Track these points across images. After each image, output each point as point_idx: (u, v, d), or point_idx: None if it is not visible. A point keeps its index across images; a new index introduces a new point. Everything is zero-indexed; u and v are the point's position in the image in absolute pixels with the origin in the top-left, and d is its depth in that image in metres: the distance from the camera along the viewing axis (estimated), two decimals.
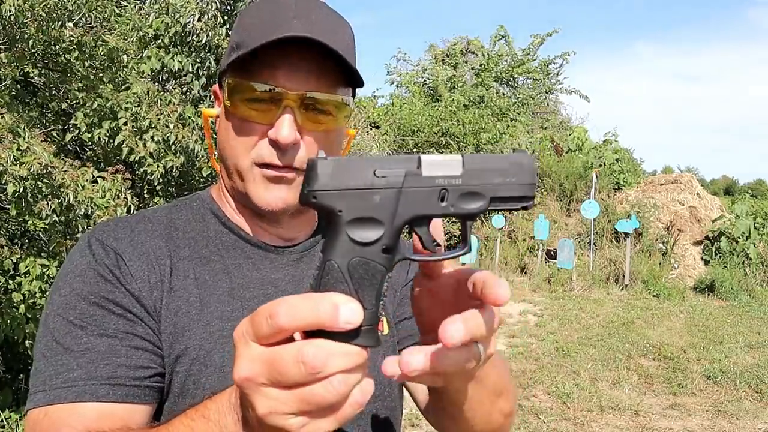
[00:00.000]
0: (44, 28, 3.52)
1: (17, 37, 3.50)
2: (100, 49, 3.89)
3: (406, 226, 0.48)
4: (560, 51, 18.14)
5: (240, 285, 0.80)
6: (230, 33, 0.85)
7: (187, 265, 0.79)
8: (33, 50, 3.67)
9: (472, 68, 15.31)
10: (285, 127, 0.74)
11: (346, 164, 0.46)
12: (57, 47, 3.78)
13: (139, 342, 0.71)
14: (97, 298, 0.71)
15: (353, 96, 0.84)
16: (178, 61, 4.22)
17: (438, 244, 0.50)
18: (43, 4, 3.39)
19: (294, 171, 0.78)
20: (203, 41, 4.22)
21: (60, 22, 3.60)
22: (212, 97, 0.88)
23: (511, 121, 14.03)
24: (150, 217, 0.83)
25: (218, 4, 4.44)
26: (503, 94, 15.47)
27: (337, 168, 0.46)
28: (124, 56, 4.12)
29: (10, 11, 3.10)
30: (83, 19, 3.86)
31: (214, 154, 0.90)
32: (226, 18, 4.78)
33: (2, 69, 3.27)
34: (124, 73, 4.01)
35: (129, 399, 0.69)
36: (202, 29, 4.17)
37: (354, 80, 0.80)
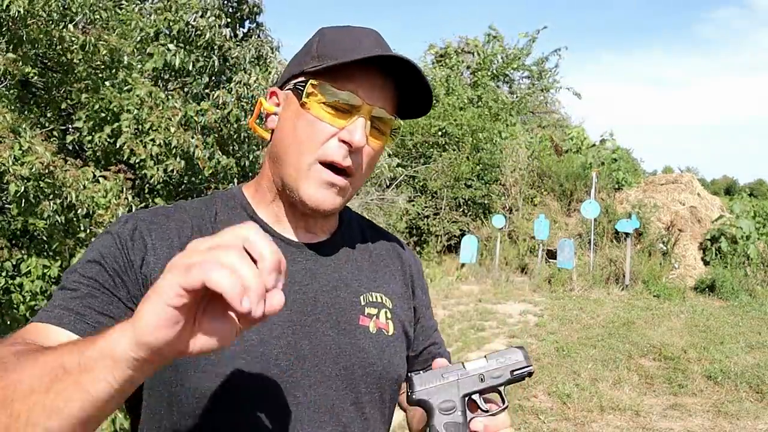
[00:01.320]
0: (47, 29, 3.52)
1: (23, 38, 3.51)
2: (101, 49, 3.89)
3: (466, 398, 0.84)
4: (552, 49, 18.09)
5: None
6: (308, 45, 0.93)
7: None
8: (36, 51, 3.68)
9: (468, 67, 15.30)
10: (359, 132, 0.83)
11: (427, 375, 0.85)
12: (58, 47, 3.78)
13: (115, 301, 0.78)
14: (101, 256, 0.80)
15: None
16: (180, 58, 4.22)
17: (486, 410, 0.85)
18: (46, 5, 3.40)
19: (349, 177, 0.86)
20: (207, 38, 4.22)
21: (63, 24, 3.61)
22: (268, 96, 0.94)
23: (509, 120, 14.02)
24: (186, 207, 0.90)
25: (221, 3, 4.44)
26: (501, 92, 15.45)
27: (423, 378, 0.84)
28: (125, 57, 4.12)
29: (18, 12, 3.11)
30: (84, 18, 3.86)
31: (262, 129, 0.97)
32: (230, 20, 4.78)
33: (7, 69, 3.27)
34: (124, 74, 4.01)
35: (85, 334, 0.74)
36: (205, 27, 4.17)
37: (406, 110, 0.92)
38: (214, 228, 0.87)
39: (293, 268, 0.88)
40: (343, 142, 0.83)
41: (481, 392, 0.85)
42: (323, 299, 0.88)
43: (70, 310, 0.76)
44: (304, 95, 0.84)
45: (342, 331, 0.88)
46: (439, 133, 12.66)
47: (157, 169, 3.66)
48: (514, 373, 0.86)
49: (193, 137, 3.81)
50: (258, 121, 0.96)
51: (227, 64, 4.86)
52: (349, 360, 0.87)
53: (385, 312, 0.94)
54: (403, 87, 0.88)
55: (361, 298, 0.93)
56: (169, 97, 4.05)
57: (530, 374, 0.88)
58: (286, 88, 0.89)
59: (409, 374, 0.82)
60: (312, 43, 0.90)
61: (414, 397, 0.83)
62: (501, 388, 0.86)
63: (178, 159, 3.76)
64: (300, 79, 0.86)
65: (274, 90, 0.93)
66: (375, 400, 0.90)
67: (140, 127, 3.69)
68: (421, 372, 0.83)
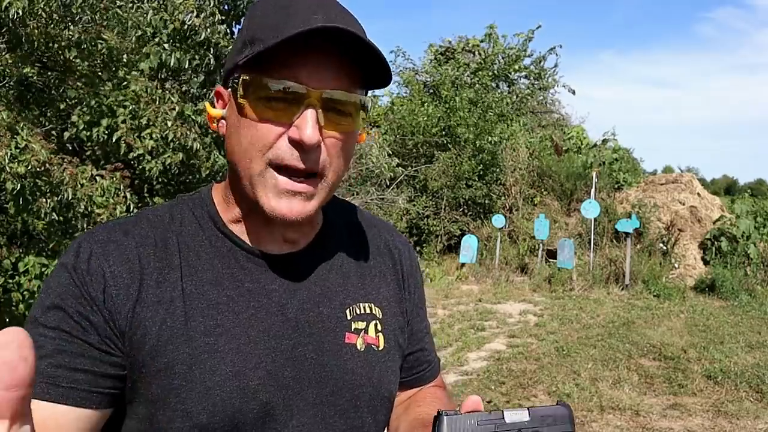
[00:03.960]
0: (47, 29, 3.52)
1: (22, 39, 3.51)
2: (99, 47, 3.89)
3: None
4: (547, 48, 18.05)
5: (229, 297, 0.77)
6: (240, 29, 0.79)
7: (176, 276, 0.76)
8: (35, 50, 3.67)
9: (468, 66, 15.30)
10: (309, 126, 0.69)
11: (461, 419, 0.72)
12: (56, 46, 3.78)
13: (86, 348, 0.71)
14: (61, 300, 0.71)
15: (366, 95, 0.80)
16: (176, 58, 4.21)
17: None
18: (47, 5, 3.39)
19: (312, 179, 0.74)
20: (202, 38, 4.21)
21: (63, 24, 3.61)
22: (215, 98, 0.82)
23: (510, 121, 14.02)
24: (149, 217, 0.80)
25: (216, 1, 4.44)
26: (501, 92, 15.45)
27: (454, 422, 0.71)
28: (123, 55, 4.12)
29: (17, 14, 3.10)
30: (83, 18, 3.85)
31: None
32: (224, 17, 4.77)
33: (7, 69, 3.26)
34: (123, 72, 4.01)
35: (63, 400, 0.69)
36: (200, 26, 4.16)
37: (369, 80, 0.77)
38: (180, 242, 0.78)
39: (270, 287, 0.79)
40: (293, 141, 0.71)
41: None
42: (305, 318, 0.80)
43: (39, 374, 0.67)
44: (238, 96, 0.72)
45: (326, 352, 0.80)
46: (442, 132, 12.65)
47: (155, 163, 3.65)
48: None
49: (190, 130, 3.80)
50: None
51: (222, 62, 4.86)
52: (336, 384, 0.80)
53: (375, 324, 0.86)
54: (357, 56, 0.72)
55: (347, 311, 0.84)
56: (166, 92, 4.05)
57: None
58: (228, 85, 0.77)
59: (440, 412, 0.71)
60: (244, 25, 0.77)
61: None
62: None
63: (176, 152, 3.74)
64: (236, 74, 0.73)
65: (218, 89, 0.80)
66: (367, 424, 0.83)
67: (137, 122, 3.69)
68: (453, 413, 0.73)
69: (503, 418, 0.73)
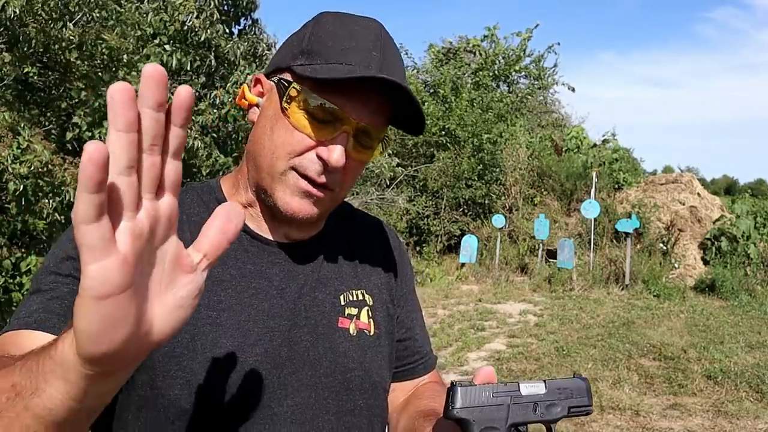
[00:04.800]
0: (45, 29, 3.52)
1: (20, 38, 3.51)
2: (100, 47, 3.89)
3: (512, 428, 0.72)
4: (545, 47, 18.01)
5: (232, 276, 0.81)
6: (301, 31, 0.83)
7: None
8: (34, 50, 3.67)
9: (469, 66, 15.30)
10: (339, 151, 0.76)
11: (475, 390, 0.71)
12: (57, 46, 3.78)
13: None
14: (76, 251, 0.71)
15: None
16: (177, 59, 4.21)
17: None
18: (45, 4, 3.39)
19: (325, 190, 0.79)
20: (202, 39, 4.22)
21: (62, 23, 3.60)
22: (252, 82, 0.86)
23: (511, 121, 14.01)
24: None
25: (216, 2, 4.44)
26: (501, 92, 15.44)
27: (469, 393, 0.70)
28: (124, 55, 4.12)
29: (14, 12, 3.11)
30: (83, 18, 3.85)
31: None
32: (224, 18, 4.78)
33: (5, 69, 3.27)
34: (123, 72, 4.01)
35: None
36: (200, 27, 4.17)
37: (396, 119, 0.83)
38: (190, 223, 0.82)
39: (271, 271, 0.84)
40: (320, 158, 0.77)
41: (529, 423, 0.74)
42: (301, 302, 0.84)
43: (51, 312, 0.70)
44: (285, 98, 0.77)
45: (320, 335, 0.83)
46: (442, 132, 12.64)
47: None
48: (572, 410, 0.75)
49: (190, 130, 3.80)
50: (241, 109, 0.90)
51: (223, 62, 4.86)
52: (329, 366, 0.82)
53: (367, 310, 0.90)
54: (396, 100, 0.80)
55: (341, 297, 0.88)
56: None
57: (587, 413, 0.76)
58: (271, 78, 0.82)
59: (453, 383, 0.71)
60: (305, 31, 0.82)
61: (454, 413, 0.71)
62: (552, 426, 0.75)
63: None
64: (286, 75, 0.79)
65: (260, 77, 0.85)
66: (359, 407, 0.85)
67: None
68: (468, 384, 0.71)
69: (519, 390, 0.72)
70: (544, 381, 0.74)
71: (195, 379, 0.74)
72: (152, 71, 0.41)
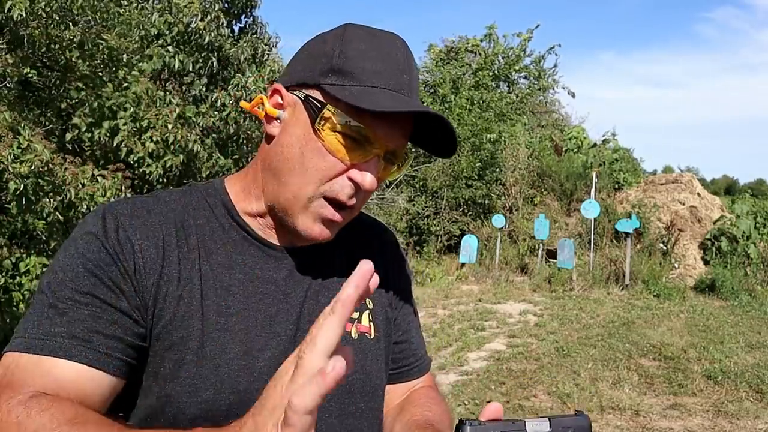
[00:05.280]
0: (48, 30, 3.52)
1: (24, 40, 3.51)
2: (100, 48, 3.89)
3: None
4: (546, 48, 18.03)
5: (240, 281, 0.81)
6: (327, 45, 0.80)
7: (194, 256, 0.80)
8: (37, 51, 3.68)
9: (469, 65, 15.30)
10: (371, 175, 0.77)
11: (484, 428, 0.73)
12: (57, 47, 3.78)
13: (119, 316, 0.73)
14: (94, 266, 0.73)
15: None
16: (179, 60, 4.22)
17: None
18: (47, 7, 3.40)
19: (346, 211, 0.81)
20: (206, 41, 4.23)
21: (64, 25, 3.61)
22: (270, 93, 0.83)
23: (510, 121, 14.02)
24: (166, 199, 0.83)
25: (221, 5, 4.45)
26: (501, 91, 15.44)
27: (478, 430, 0.72)
28: (124, 55, 4.12)
29: (20, 15, 3.11)
30: (83, 18, 3.86)
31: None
32: (228, 19, 4.78)
33: (8, 70, 3.27)
34: (123, 72, 4.01)
35: (98, 365, 0.70)
36: (204, 29, 4.18)
37: (432, 146, 0.84)
38: (196, 225, 0.82)
39: (277, 276, 0.84)
40: (352, 180, 0.77)
41: None
42: (306, 307, 0.84)
43: (75, 337, 0.70)
44: (318, 119, 0.75)
45: None
46: None
47: (156, 166, 3.66)
48: None
49: (191, 132, 3.81)
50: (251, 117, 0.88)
51: (226, 64, 4.87)
52: None
53: (368, 314, 0.90)
54: (426, 123, 0.80)
55: None
56: (167, 93, 4.06)
57: None
58: (295, 92, 0.79)
59: (461, 420, 0.73)
60: (332, 47, 0.79)
61: None
62: None
63: (176, 154, 3.76)
64: (315, 93, 0.77)
65: (279, 88, 0.82)
66: (360, 410, 0.85)
67: (138, 125, 3.70)
68: (476, 422, 0.74)
69: (525, 427, 0.74)
70: (549, 419, 0.76)
71: (203, 385, 0.74)
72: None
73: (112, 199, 3.15)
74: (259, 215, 0.85)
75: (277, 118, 0.81)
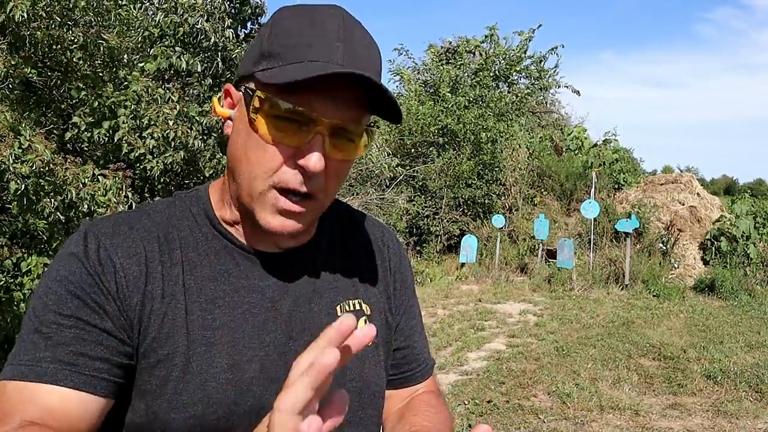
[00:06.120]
0: (49, 31, 3.53)
1: (26, 41, 3.52)
2: (101, 48, 3.90)
3: None
4: (548, 48, 18.00)
5: (225, 292, 0.79)
6: (260, 33, 0.78)
7: (177, 271, 0.78)
8: (38, 52, 3.68)
9: (469, 66, 15.30)
10: (316, 156, 0.71)
11: None
12: (59, 47, 3.79)
13: (104, 337, 0.72)
14: (76, 288, 0.72)
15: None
16: (186, 60, 4.22)
17: None
18: (49, 8, 3.40)
19: (308, 201, 0.76)
20: (211, 42, 4.23)
21: (66, 26, 3.62)
22: (223, 95, 0.82)
23: (510, 121, 14.02)
24: (150, 212, 0.82)
25: (226, 6, 4.46)
26: (501, 91, 15.45)
27: None
28: (124, 55, 4.13)
29: (22, 16, 3.12)
30: (83, 18, 3.86)
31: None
32: (232, 21, 4.79)
33: (10, 71, 3.28)
34: (123, 72, 4.01)
35: (85, 388, 0.70)
36: (209, 30, 4.18)
37: (375, 108, 0.78)
38: (180, 238, 0.80)
39: (264, 284, 0.81)
40: (299, 165, 0.73)
41: None
42: (296, 315, 0.81)
43: (60, 361, 0.69)
44: (251, 110, 0.73)
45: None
46: (439, 132, 12.64)
47: (157, 162, 3.66)
48: None
49: (191, 128, 3.81)
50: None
51: (230, 65, 4.87)
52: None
53: (365, 321, 0.87)
54: (368, 90, 0.74)
55: (338, 308, 0.86)
56: (167, 91, 4.06)
57: None
58: (239, 88, 0.78)
59: None
60: (264, 32, 0.76)
61: None
62: None
63: (177, 150, 3.76)
64: (251, 84, 0.75)
65: (228, 88, 0.81)
66: (357, 419, 0.83)
67: (138, 122, 3.70)
68: None
69: None
70: None
71: (191, 401, 0.73)
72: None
73: (113, 199, 3.16)
74: (235, 222, 0.83)
75: (229, 118, 0.79)
